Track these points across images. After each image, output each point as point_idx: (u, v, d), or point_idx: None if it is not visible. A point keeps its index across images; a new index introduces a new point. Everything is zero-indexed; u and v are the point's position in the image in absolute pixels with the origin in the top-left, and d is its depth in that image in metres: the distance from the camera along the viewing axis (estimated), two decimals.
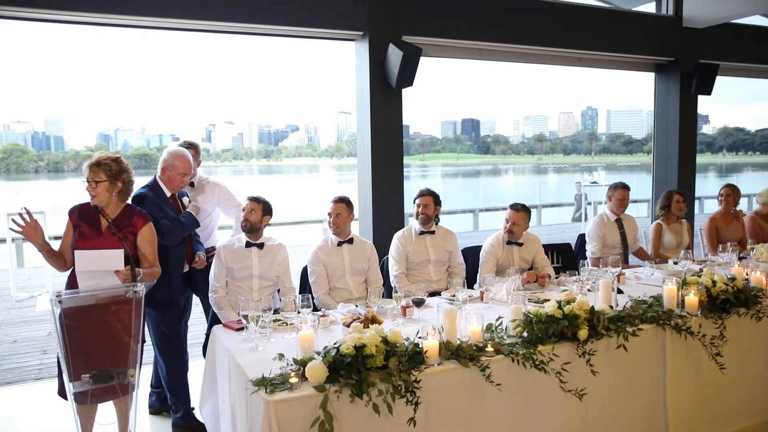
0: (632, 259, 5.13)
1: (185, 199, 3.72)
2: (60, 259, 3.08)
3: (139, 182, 3.46)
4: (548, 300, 3.07)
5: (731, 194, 5.44)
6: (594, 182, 13.82)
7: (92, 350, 2.92)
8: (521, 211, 4.23)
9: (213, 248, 3.97)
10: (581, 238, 5.18)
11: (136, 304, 2.85)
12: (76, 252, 2.96)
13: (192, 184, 4.02)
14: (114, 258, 2.93)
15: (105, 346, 2.95)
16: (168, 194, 3.58)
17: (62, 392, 3.03)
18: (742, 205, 6.48)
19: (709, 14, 6.62)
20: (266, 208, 3.70)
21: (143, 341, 3.29)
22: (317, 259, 3.92)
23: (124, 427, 3.14)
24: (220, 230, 4.38)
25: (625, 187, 4.96)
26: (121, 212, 3.11)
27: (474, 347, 2.66)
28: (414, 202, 4.30)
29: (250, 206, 3.67)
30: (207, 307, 3.85)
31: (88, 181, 3.01)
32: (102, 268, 2.94)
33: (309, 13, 5.01)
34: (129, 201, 3.25)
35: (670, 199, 5.17)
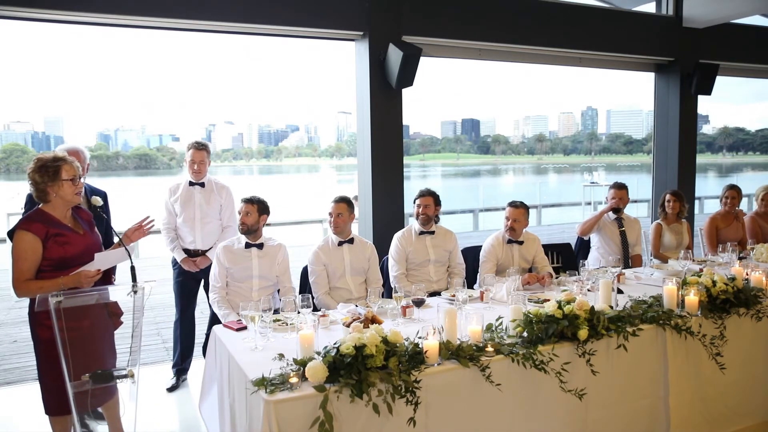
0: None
1: (95, 198, 3.40)
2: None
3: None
4: (548, 300, 3.07)
5: (736, 197, 5.43)
6: (594, 182, 13.86)
7: (92, 350, 2.92)
8: (520, 207, 4.25)
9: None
10: (581, 238, 5.16)
11: (136, 303, 2.85)
12: (96, 255, 2.86)
13: (202, 185, 4.06)
14: (124, 255, 2.96)
15: (105, 346, 2.95)
16: None
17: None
18: (742, 205, 6.46)
19: (709, 14, 6.61)
20: (261, 208, 3.67)
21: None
22: (317, 259, 3.92)
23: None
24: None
25: (616, 186, 4.94)
26: (71, 210, 2.98)
27: (474, 347, 2.66)
28: (414, 203, 4.29)
29: (245, 209, 3.63)
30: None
31: (79, 178, 2.91)
32: (116, 263, 3.16)
33: (309, 13, 5.00)
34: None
35: (664, 198, 5.20)
